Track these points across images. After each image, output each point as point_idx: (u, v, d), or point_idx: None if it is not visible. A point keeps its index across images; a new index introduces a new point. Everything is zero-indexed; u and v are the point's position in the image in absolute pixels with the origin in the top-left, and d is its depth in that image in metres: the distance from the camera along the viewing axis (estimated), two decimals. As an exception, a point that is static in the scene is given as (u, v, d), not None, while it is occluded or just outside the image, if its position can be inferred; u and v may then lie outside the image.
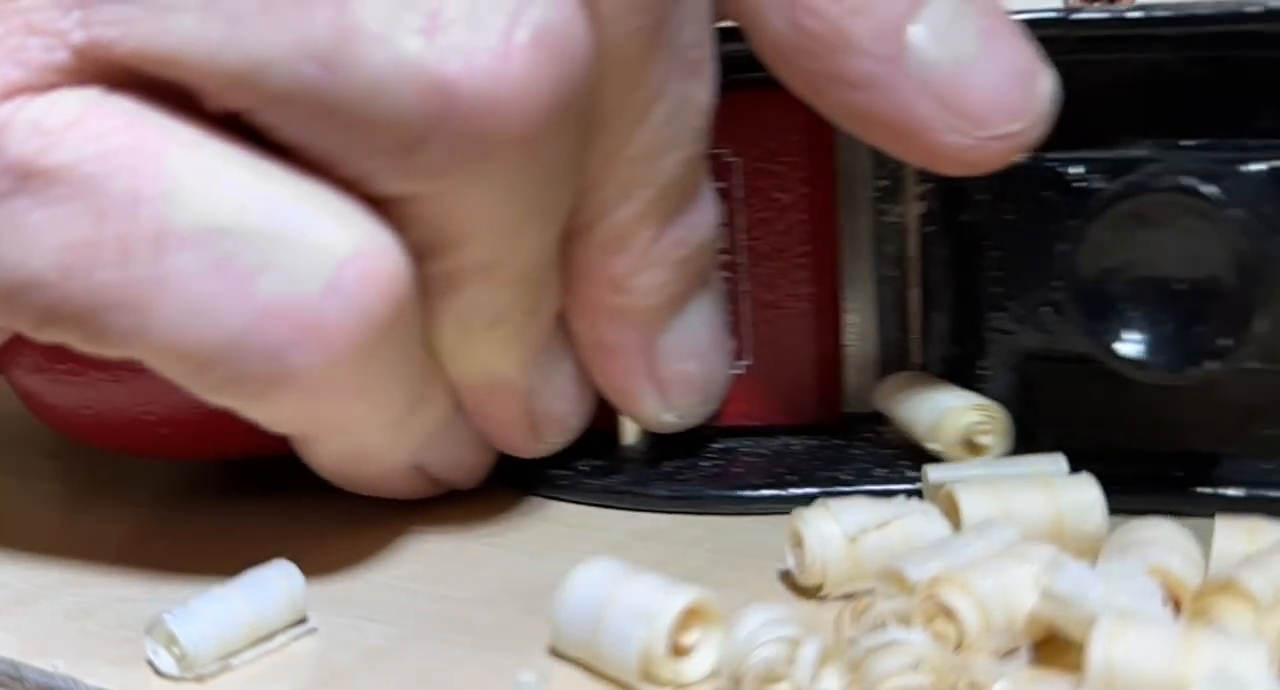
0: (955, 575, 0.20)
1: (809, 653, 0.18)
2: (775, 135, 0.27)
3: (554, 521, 0.28)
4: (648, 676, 0.20)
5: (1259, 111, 0.25)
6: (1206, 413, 0.26)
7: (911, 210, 0.28)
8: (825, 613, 0.22)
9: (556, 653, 0.21)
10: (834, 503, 0.23)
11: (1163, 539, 0.21)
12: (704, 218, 0.26)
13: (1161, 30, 0.25)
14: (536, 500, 0.29)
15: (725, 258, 0.28)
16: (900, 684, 0.18)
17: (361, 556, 0.26)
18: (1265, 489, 0.25)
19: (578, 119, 0.23)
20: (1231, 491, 0.25)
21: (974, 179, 0.25)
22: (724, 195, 0.28)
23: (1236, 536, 0.22)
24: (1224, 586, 0.19)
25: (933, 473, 0.25)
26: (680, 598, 0.20)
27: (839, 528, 0.22)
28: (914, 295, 0.29)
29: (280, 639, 0.22)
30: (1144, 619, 0.18)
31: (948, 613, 0.20)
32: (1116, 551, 0.21)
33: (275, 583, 0.22)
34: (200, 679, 0.21)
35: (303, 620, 0.23)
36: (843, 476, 0.27)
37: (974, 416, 0.26)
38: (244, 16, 0.20)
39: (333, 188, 0.22)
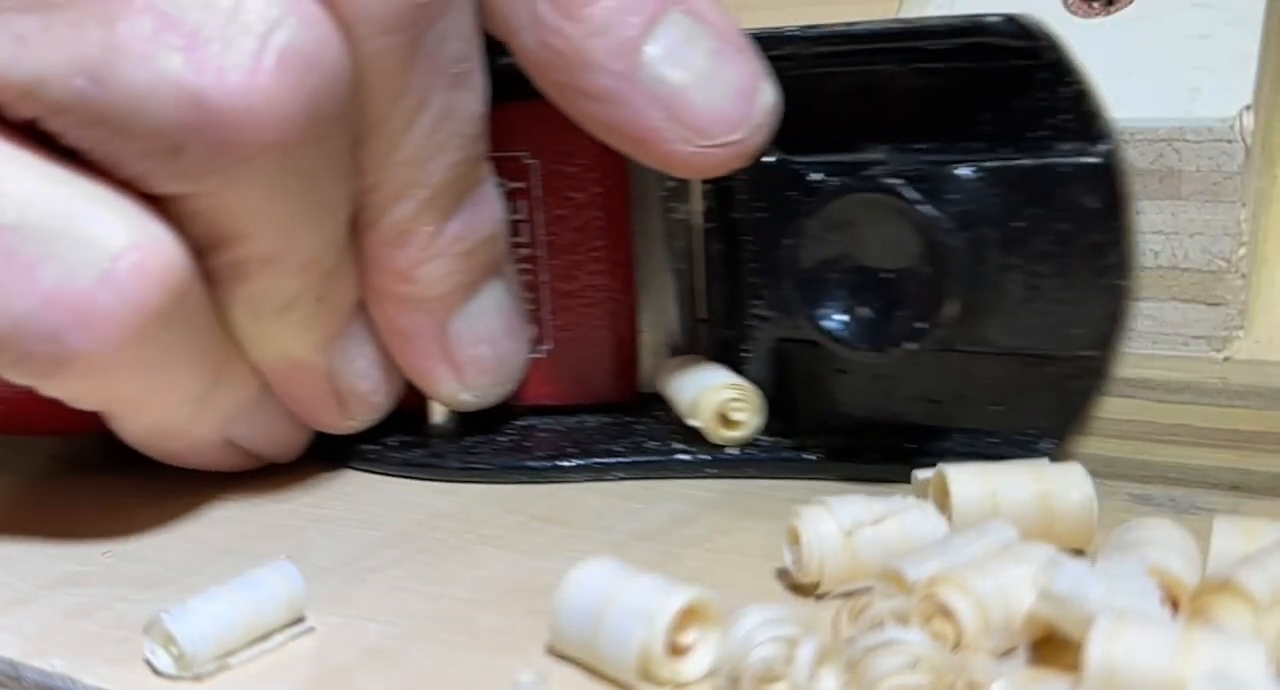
0: (953, 575, 0.20)
1: (807, 652, 0.18)
2: (569, 139, 0.28)
3: (554, 521, 0.28)
4: (646, 676, 0.20)
5: (976, 118, 0.27)
6: (933, 391, 0.28)
7: (696, 208, 0.31)
8: (823, 612, 0.22)
9: (556, 652, 0.21)
10: (831, 499, 0.23)
11: (1161, 539, 0.21)
12: (486, 214, 0.29)
13: (890, 43, 0.27)
14: (535, 501, 0.29)
15: (526, 251, 0.31)
16: (898, 683, 0.18)
17: (360, 556, 0.26)
18: (987, 460, 0.26)
19: (336, 127, 0.25)
20: (949, 456, 0.26)
21: (739, 180, 0.28)
22: (523, 194, 0.31)
23: (1235, 536, 0.22)
24: (1222, 586, 0.19)
25: (922, 475, 0.25)
26: (679, 597, 0.20)
27: (835, 524, 0.22)
28: (699, 286, 0.31)
29: (278, 639, 0.22)
30: (1142, 618, 0.18)
31: (946, 612, 0.20)
32: (1115, 551, 0.21)
33: (273, 582, 0.22)
34: (198, 678, 0.21)
35: (301, 620, 0.23)
36: (616, 449, 0.30)
37: (728, 393, 0.29)
38: (28, 37, 0.23)
39: (115, 188, 0.24)
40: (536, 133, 0.30)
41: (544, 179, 0.31)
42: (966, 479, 0.23)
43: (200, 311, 0.27)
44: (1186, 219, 0.27)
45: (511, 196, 0.31)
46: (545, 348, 0.32)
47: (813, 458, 0.29)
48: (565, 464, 0.30)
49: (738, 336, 0.30)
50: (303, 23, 0.24)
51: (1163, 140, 0.26)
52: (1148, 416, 0.28)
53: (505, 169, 0.30)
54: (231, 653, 0.22)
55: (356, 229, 0.28)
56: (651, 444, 0.30)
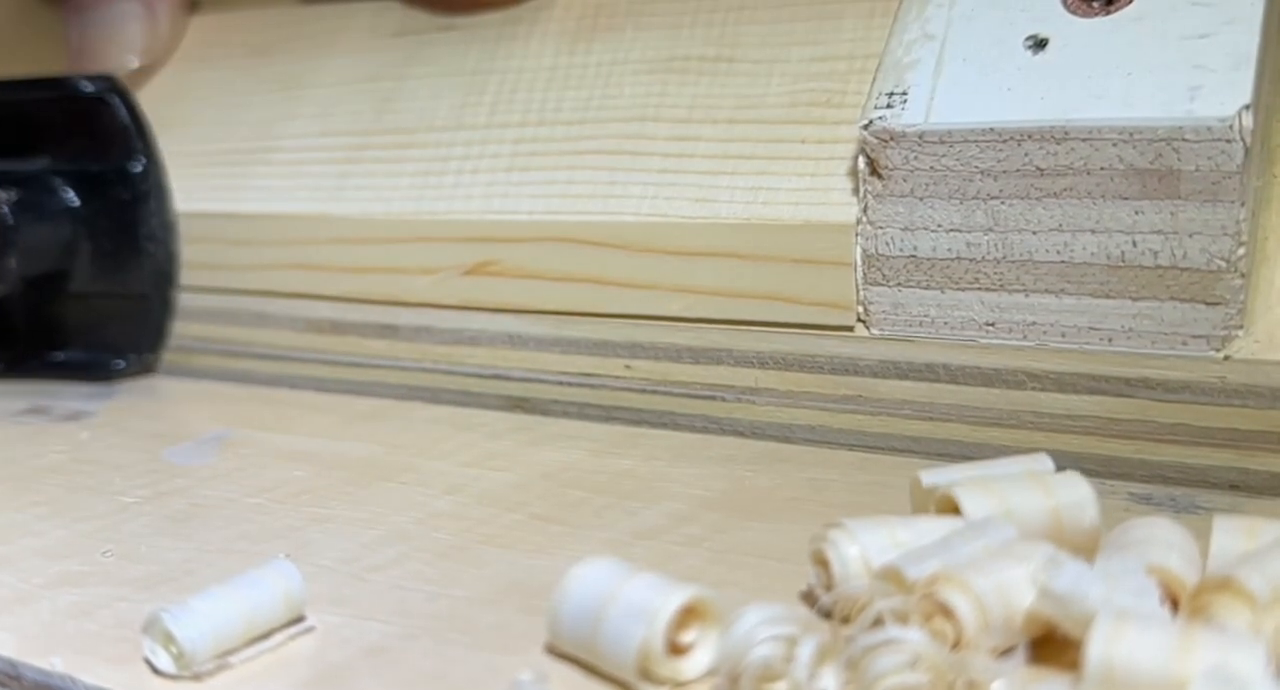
0: (953, 573, 0.20)
1: (806, 651, 0.18)
2: None
3: (554, 521, 0.28)
4: (646, 675, 0.20)
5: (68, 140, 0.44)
6: (70, 319, 0.45)
7: None
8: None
9: (555, 651, 0.21)
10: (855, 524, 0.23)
11: (1161, 538, 0.21)
12: None
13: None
14: (535, 501, 0.29)
15: None
16: (898, 682, 0.18)
17: (359, 555, 0.26)
18: (94, 363, 0.45)
19: None
20: (79, 363, 0.45)
21: None
22: None
23: (1235, 535, 0.22)
24: (1222, 584, 0.19)
25: (927, 477, 0.25)
26: (678, 596, 0.20)
27: (859, 550, 0.22)
28: None
29: (278, 638, 0.22)
30: (1142, 617, 0.18)
31: (946, 611, 0.20)
32: (1115, 550, 0.21)
33: (273, 581, 0.22)
34: (198, 677, 0.21)
35: (301, 619, 0.23)
36: None
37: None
38: None
39: None
40: None
41: None
42: (977, 497, 0.23)
43: None
44: (1186, 218, 0.27)
45: None
46: None
47: (1, 366, 0.45)
48: None
49: None
50: None
51: (1162, 140, 0.27)
52: (1147, 416, 0.28)
53: None
54: (231, 651, 0.22)
55: None
56: None
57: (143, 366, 0.44)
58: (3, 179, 0.43)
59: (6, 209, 0.41)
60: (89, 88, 0.43)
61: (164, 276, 0.44)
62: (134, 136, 0.43)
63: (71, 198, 0.43)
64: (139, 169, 0.43)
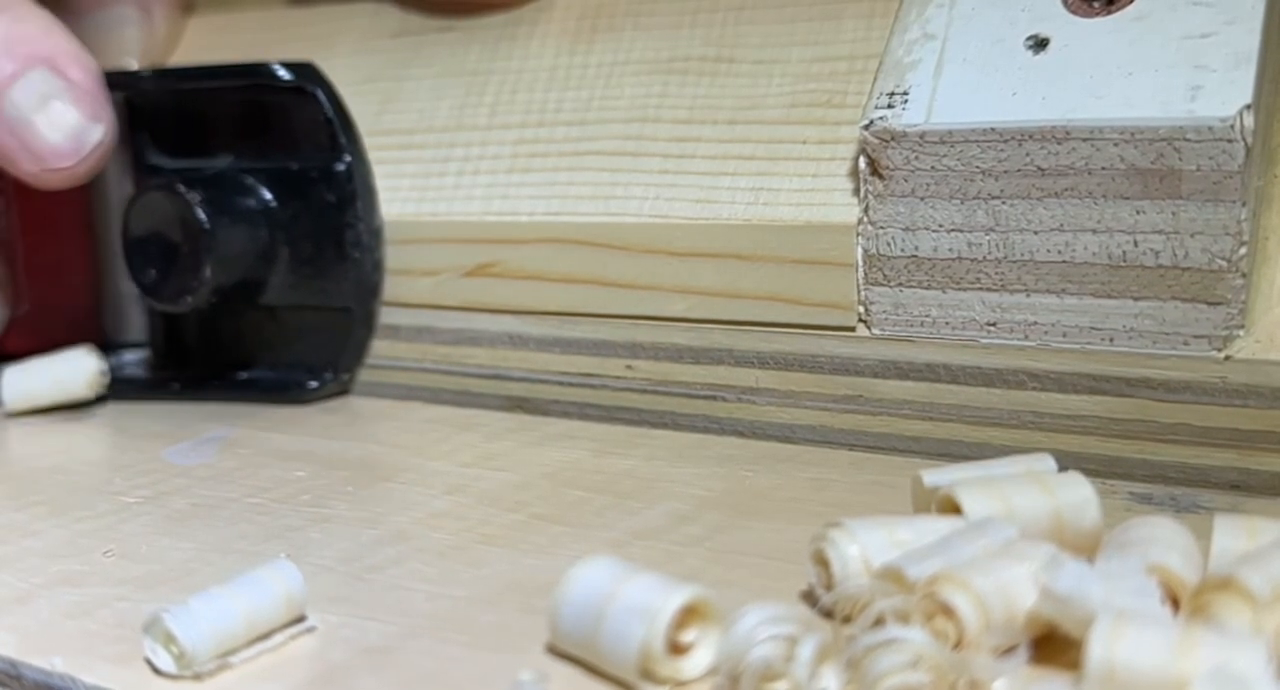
0: (954, 573, 0.20)
1: (807, 650, 0.18)
2: None
3: (554, 521, 0.28)
4: (646, 674, 0.20)
5: (267, 134, 0.40)
6: (261, 334, 0.40)
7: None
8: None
9: (556, 651, 0.21)
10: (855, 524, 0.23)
11: (1161, 537, 0.21)
12: None
13: (206, 82, 0.40)
14: (535, 501, 0.29)
15: (5, 235, 0.42)
16: (899, 682, 0.18)
17: (360, 555, 0.26)
18: (284, 382, 0.40)
19: None
20: (268, 382, 0.40)
21: (139, 181, 0.41)
22: (1, 191, 0.41)
23: (1235, 535, 0.22)
24: (1223, 584, 0.19)
25: (929, 477, 0.25)
26: (678, 596, 0.20)
27: (859, 549, 0.22)
28: None
29: (279, 637, 0.22)
30: (1143, 617, 0.18)
31: (947, 610, 0.20)
32: (1115, 550, 0.21)
33: (274, 581, 0.22)
34: (198, 677, 0.21)
35: (301, 619, 0.23)
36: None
37: (94, 355, 0.39)
38: None
39: None
40: None
41: (15, 180, 0.38)
42: (978, 497, 0.23)
43: None
44: (1187, 218, 0.27)
45: None
46: (24, 308, 0.42)
47: (175, 387, 0.41)
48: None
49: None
50: None
51: (1163, 140, 0.26)
52: (1148, 415, 0.28)
53: None
54: (232, 651, 0.22)
55: None
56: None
57: (339, 387, 0.40)
58: (191, 179, 0.38)
59: (201, 212, 0.37)
60: (286, 75, 0.38)
61: (369, 288, 0.38)
62: (338, 130, 0.38)
63: (268, 199, 0.39)
64: (343, 167, 0.38)
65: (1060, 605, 0.19)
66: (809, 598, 0.23)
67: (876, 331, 0.31)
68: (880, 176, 0.30)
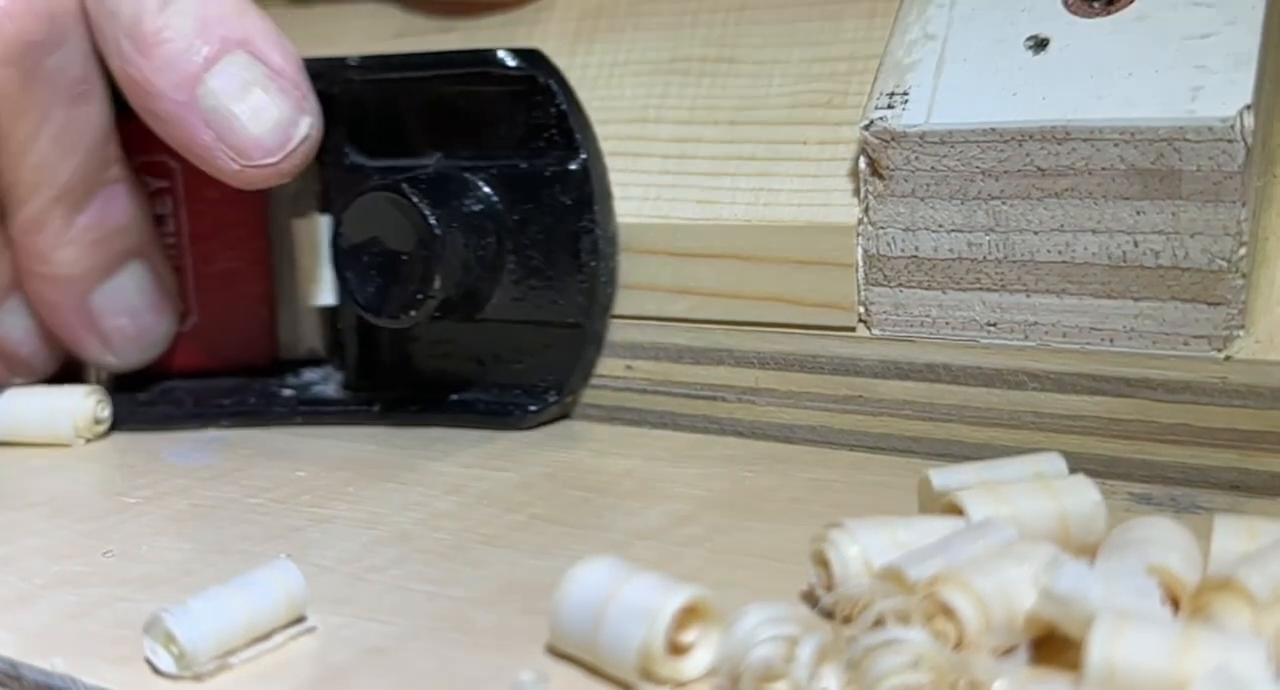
0: (954, 574, 0.20)
1: (807, 651, 0.18)
2: None
3: (554, 521, 0.28)
4: (646, 674, 0.20)
5: (495, 130, 0.35)
6: (476, 352, 0.36)
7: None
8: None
9: (556, 651, 0.21)
10: (855, 526, 0.23)
11: (1161, 538, 0.21)
12: (115, 208, 0.35)
13: (423, 71, 0.35)
14: (535, 501, 0.29)
15: (172, 240, 0.38)
16: (900, 682, 0.18)
17: (360, 556, 0.26)
18: (501, 406, 0.35)
19: None
20: (483, 405, 0.36)
21: (333, 181, 0.36)
22: (169, 192, 0.37)
23: (1235, 535, 0.22)
24: (1222, 585, 0.19)
25: (937, 478, 0.25)
26: (679, 596, 0.20)
27: (859, 550, 0.22)
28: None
29: (279, 638, 0.22)
30: (1143, 618, 0.18)
31: (947, 611, 0.20)
32: (1115, 550, 0.21)
33: (274, 582, 0.22)
34: (199, 678, 0.21)
35: (302, 619, 0.23)
36: (225, 402, 0.37)
37: (95, 397, 0.36)
38: None
39: None
40: None
41: (185, 179, 0.37)
42: (984, 505, 0.23)
43: None
44: (1187, 219, 0.27)
45: (159, 194, 0.37)
46: (191, 321, 0.38)
47: (376, 408, 0.36)
48: (177, 414, 0.37)
49: (335, 313, 0.37)
50: None
51: (1163, 140, 0.26)
52: (1148, 416, 0.28)
53: (152, 170, 0.37)
54: (232, 652, 0.22)
55: (2, 218, 0.34)
56: (255, 399, 0.37)
57: (561, 410, 0.35)
58: (414, 180, 0.33)
59: (432, 216, 0.32)
60: (513, 62, 0.34)
61: (603, 302, 0.34)
62: (573, 124, 0.34)
63: (495, 201, 0.34)
64: (578, 166, 0.34)
65: (1060, 606, 0.19)
66: (809, 598, 0.23)
67: (877, 332, 0.31)
68: (880, 177, 0.30)
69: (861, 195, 0.31)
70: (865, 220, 0.31)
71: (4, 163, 0.33)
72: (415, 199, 0.32)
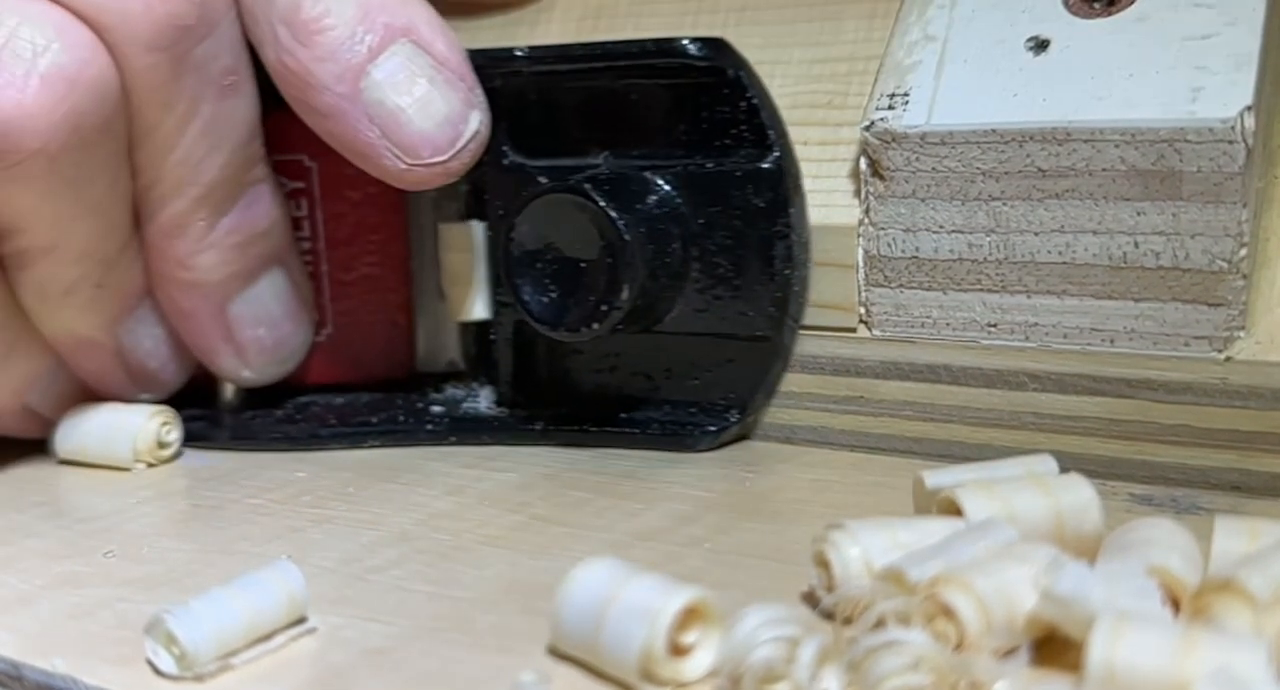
0: (955, 575, 0.20)
1: (808, 652, 0.18)
2: None
3: (554, 521, 0.28)
4: (647, 676, 0.20)
5: (674, 127, 0.32)
6: (646, 367, 0.33)
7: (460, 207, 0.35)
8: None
9: (556, 652, 0.21)
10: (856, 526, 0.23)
11: (1162, 539, 0.21)
12: (260, 210, 0.33)
13: (598, 62, 0.32)
14: (536, 501, 0.29)
15: (308, 245, 0.35)
16: (900, 683, 0.18)
17: (360, 556, 0.26)
18: (678, 425, 0.32)
19: (104, 134, 0.29)
20: (655, 425, 0.33)
21: (488, 181, 0.33)
22: (304, 193, 0.35)
23: (1236, 536, 0.22)
24: (1223, 586, 0.19)
25: (930, 478, 0.25)
26: (680, 597, 0.20)
27: (860, 550, 0.22)
28: None
29: (280, 639, 0.22)
30: (1144, 619, 0.18)
31: (948, 612, 0.20)
32: (1116, 551, 0.21)
33: (275, 582, 0.22)
34: (200, 678, 0.21)
35: (303, 620, 0.23)
36: (372, 420, 0.34)
37: (160, 419, 0.33)
38: None
39: None
40: (316, 138, 0.31)
41: (322, 180, 0.34)
42: (980, 500, 0.23)
43: None
44: (1188, 220, 0.27)
45: (294, 195, 0.34)
46: (326, 332, 0.36)
47: (538, 427, 0.33)
48: (323, 433, 0.34)
49: (489, 322, 0.34)
50: (67, 47, 0.28)
51: (1164, 141, 0.27)
52: (1148, 417, 0.28)
53: (287, 170, 0.34)
54: (233, 653, 0.22)
55: (139, 222, 0.32)
56: (404, 417, 0.34)
57: (742, 431, 0.33)
58: (595, 180, 0.30)
59: (620, 220, 0.29)
60: (697, 51, 0.31)
61: (794, 313, 0.31)
62: (765, 120, 0.31)
63: (679, 204, 0.31)
64: (772, 165, 0.31)
65: (1061, 607, 0.19)
66: (810, 599, 0.23)
67: (877, 332, 0.31)
68: (881, 177, 0.30)
69: (862, 196, 0.31)
70: (866, 221, 0.31)
71: (146, 159, 0.30)
72: (601, 202, 0.29)
